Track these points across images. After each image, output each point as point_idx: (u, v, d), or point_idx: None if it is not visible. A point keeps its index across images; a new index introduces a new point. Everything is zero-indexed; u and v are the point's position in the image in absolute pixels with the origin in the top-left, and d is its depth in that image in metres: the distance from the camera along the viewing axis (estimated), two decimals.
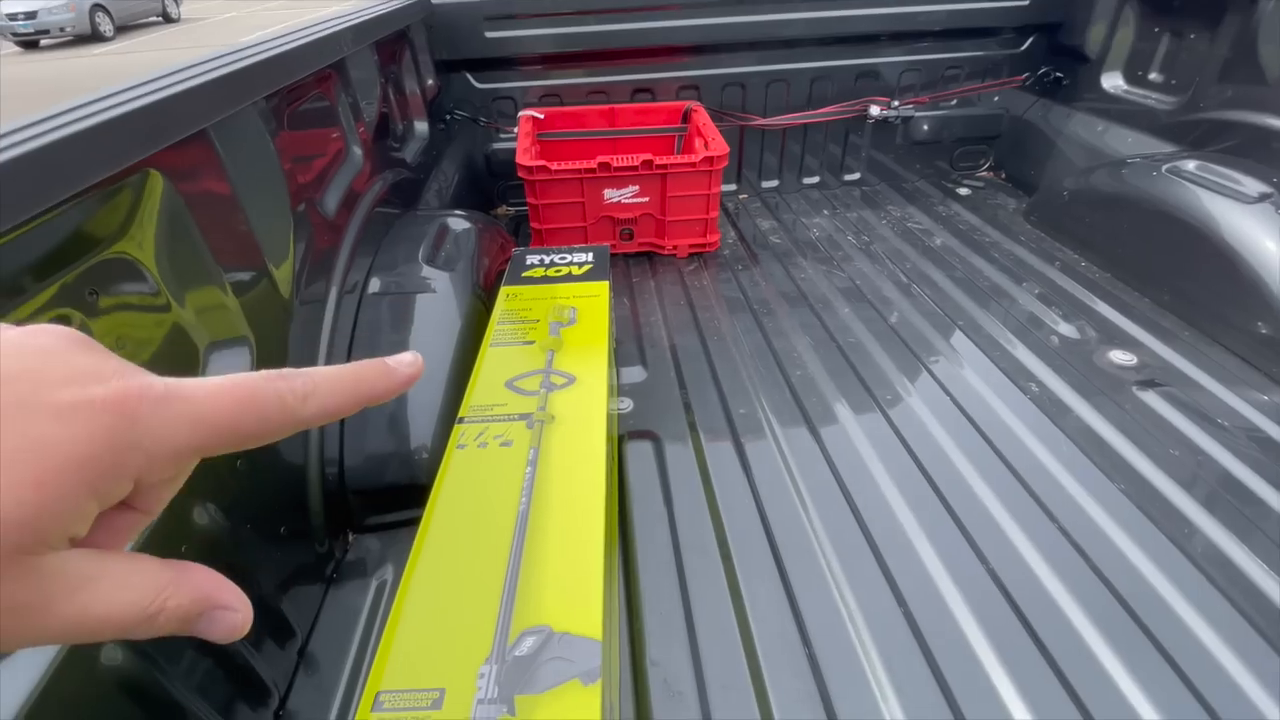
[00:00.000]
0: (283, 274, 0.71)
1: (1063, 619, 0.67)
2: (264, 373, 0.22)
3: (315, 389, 0.22)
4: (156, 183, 0.55)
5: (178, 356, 0.57)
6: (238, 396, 0.20)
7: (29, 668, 0.40)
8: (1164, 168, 1.19)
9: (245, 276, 0.66)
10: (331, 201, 0.89)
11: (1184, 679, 0.61)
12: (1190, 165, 1.16)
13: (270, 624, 0.64)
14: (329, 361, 0.79)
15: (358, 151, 1.01)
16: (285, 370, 0.22)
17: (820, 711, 0.61)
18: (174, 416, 0.19)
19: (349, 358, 0.82)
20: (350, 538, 0.81)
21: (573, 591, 0.49)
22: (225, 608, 0.21)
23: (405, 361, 0.26)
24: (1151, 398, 0.96)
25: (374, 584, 0.76)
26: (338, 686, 0.65)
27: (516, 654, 0.45)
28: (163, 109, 0.53)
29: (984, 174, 1.81)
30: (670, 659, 0.65)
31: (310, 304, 0.78)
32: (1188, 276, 1.13)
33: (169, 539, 0.52)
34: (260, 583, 0.62)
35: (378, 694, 0.42)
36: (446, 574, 0.50)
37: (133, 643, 0.47)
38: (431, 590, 0.49)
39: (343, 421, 0.80)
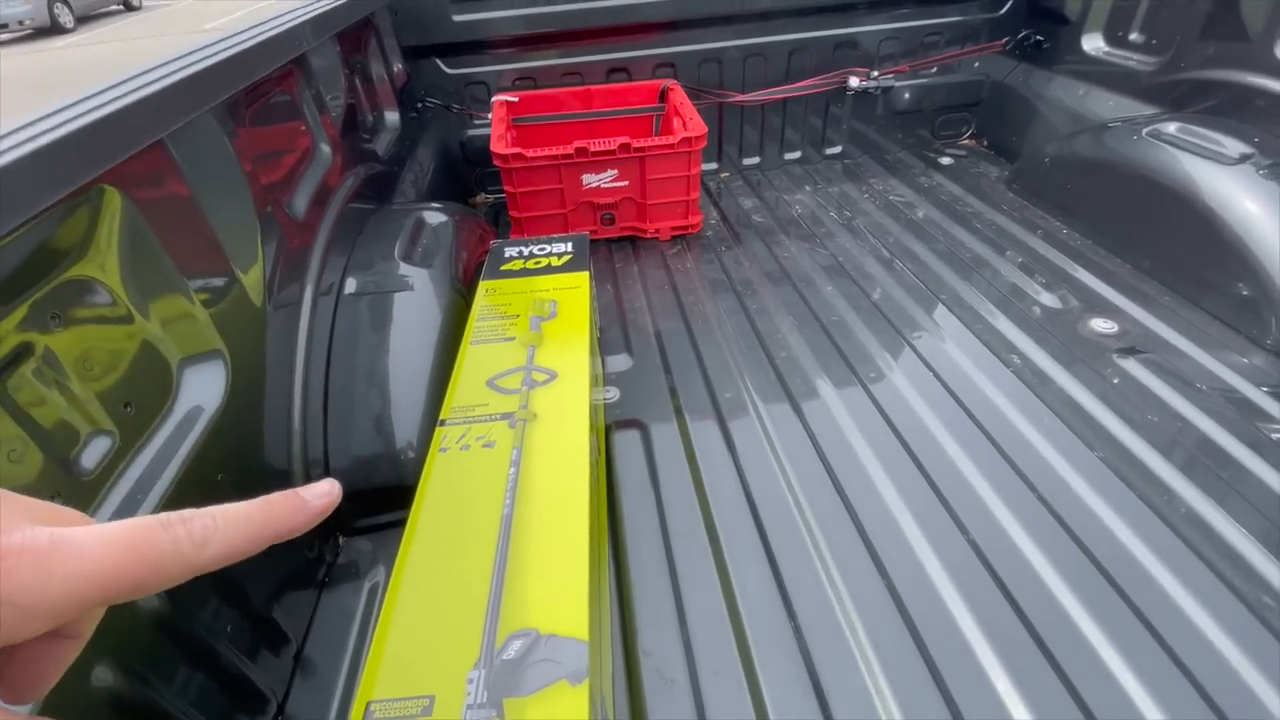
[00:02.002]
0: (252, 280, 0.69)
1: (1042, 587, 0.68)
2: (162, 517, 0.22)
3: (216, 532, 0.22)
4: (114, 199, 0.53)
5: (149, 374, 0.56)
6: (130, 547, 0.20)
7: None
8: (1145, 131, 1.18)
9: (213, 286, 0.64)
10: (301, 201, 0.87)
11: (1161, 642, 0.62)
12: (1171, 128, 1.15)
13: (264, 632, 0.64)
14: (308, 369, 0.78)
15: (325, 148, 0.99)
16: (186, 512, 0.22)
17: (808, 689, 0.62)
18: (55, 572, 0.19)
19: (328, 363, 0.81)
20: (340, 540, 0.81)
21: (559, 593, 0.49)
22: None
23: (319, 492, 0.26)
24: (1132, 365, 0.97)
25: (367, 585, 0.76)
26: (335, 689, 0.66)
27: (504, 658, 0.45)
28: (115, 123, 0.52)
29: (966, 142, 1.79)
30: (662, 648, 0.67)
31: (284, 309, 0.77)
32: (1169, 241, 1.13)
33: None
34: (251, 592, 0.63)
35: (368, 704, 0.43)
36: (432, 582, 0.50)
37: (121, 661, 0.47)
38: (418, 599, 0.49)
39: (326, 421, 0.80)
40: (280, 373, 0.73)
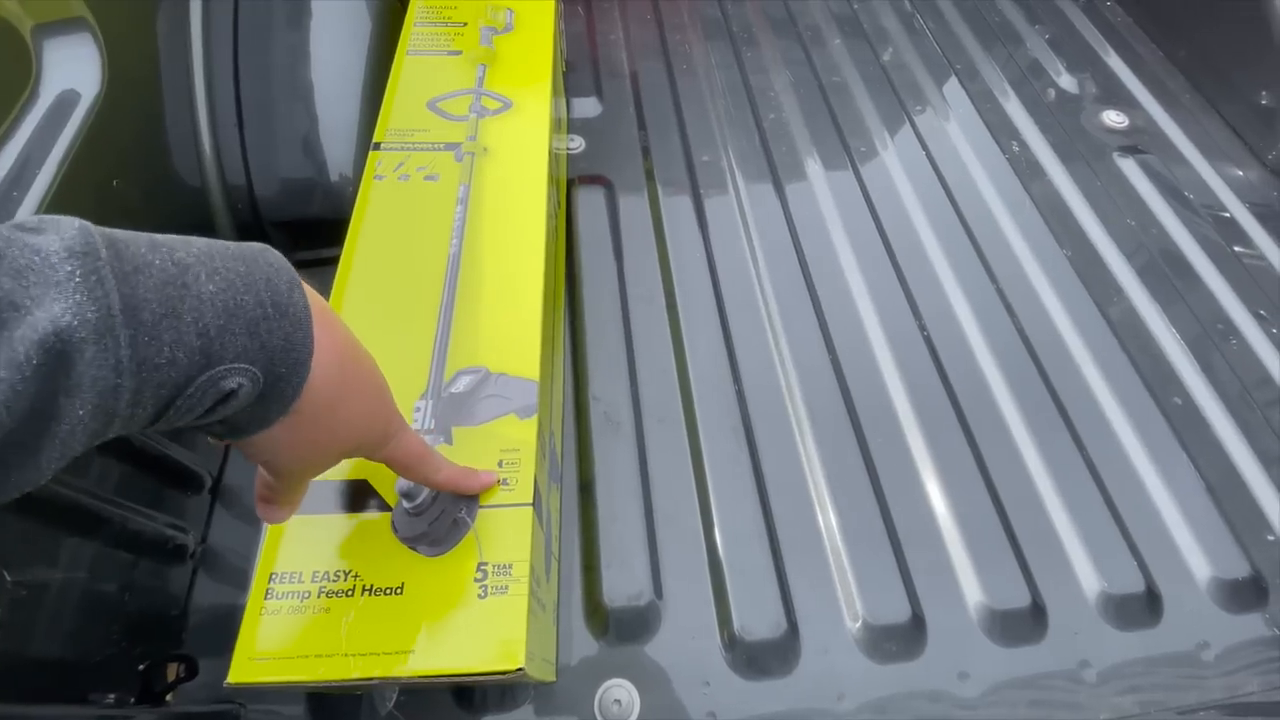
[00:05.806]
0: None
1: (976, 370, 0.72)
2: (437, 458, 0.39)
3: (447, 473, 0.39)
4: None
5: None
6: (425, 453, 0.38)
7: None
8: None
9: None
10: None
11: (1070, 425, 0.68)
12: None
13: None
14: (210, 68, 0.64)
15: None
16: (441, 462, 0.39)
17: (743, 441, 0.66)
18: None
19: (235, 65, 0.67)
20: None
21: (510, 334, 0.47)
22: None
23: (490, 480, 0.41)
24: (1129, 165, 0.92)
25: None
26: None
27: (452, 391, 0.45)
28: None
29: None
30: (611, 395, 0.69)
31: None
32: (1212, 29, 1.00)
33: None
34: None
35: None
36: (372, 317, 0.47)
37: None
38: (357, 331, 0.46)
39: (244, 142, 0.69)
40: (174, 66, 0.60)
